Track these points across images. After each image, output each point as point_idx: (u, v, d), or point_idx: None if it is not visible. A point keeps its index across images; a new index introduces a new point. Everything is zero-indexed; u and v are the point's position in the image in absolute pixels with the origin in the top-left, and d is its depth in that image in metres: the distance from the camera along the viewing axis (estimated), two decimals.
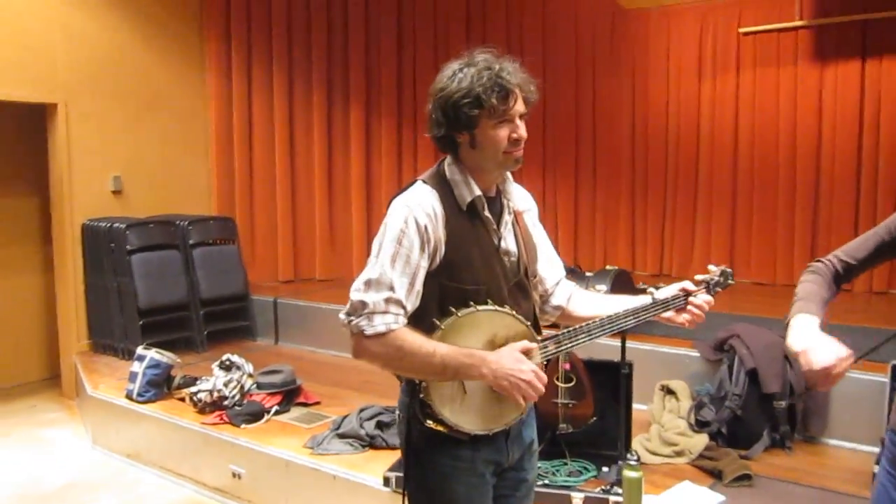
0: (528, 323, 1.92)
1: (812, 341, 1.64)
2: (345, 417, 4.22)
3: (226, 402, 4.52)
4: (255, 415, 4.42)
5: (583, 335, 1.94)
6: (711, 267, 2.13)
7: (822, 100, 6.78)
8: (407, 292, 1.78)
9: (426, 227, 1.79)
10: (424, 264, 1.81)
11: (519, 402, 1.78)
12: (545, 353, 1.91)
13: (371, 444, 4.00)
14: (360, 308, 1.76)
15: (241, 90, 7.14)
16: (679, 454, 3.90)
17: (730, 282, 2.13)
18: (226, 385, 4.57)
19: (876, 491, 1.87)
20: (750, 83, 7.10)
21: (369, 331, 1.74)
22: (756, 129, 7.11)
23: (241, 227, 7.03)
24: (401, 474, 3.44)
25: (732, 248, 7.34)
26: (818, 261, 1.92)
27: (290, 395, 4.72)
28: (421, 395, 1.84)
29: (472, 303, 1.83)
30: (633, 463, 3.16)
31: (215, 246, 6.72)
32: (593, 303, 2.13)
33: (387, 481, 3.48)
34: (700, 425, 4.09)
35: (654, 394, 4.38)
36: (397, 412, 2.05)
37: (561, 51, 7.79)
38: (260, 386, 4.68)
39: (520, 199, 2.07)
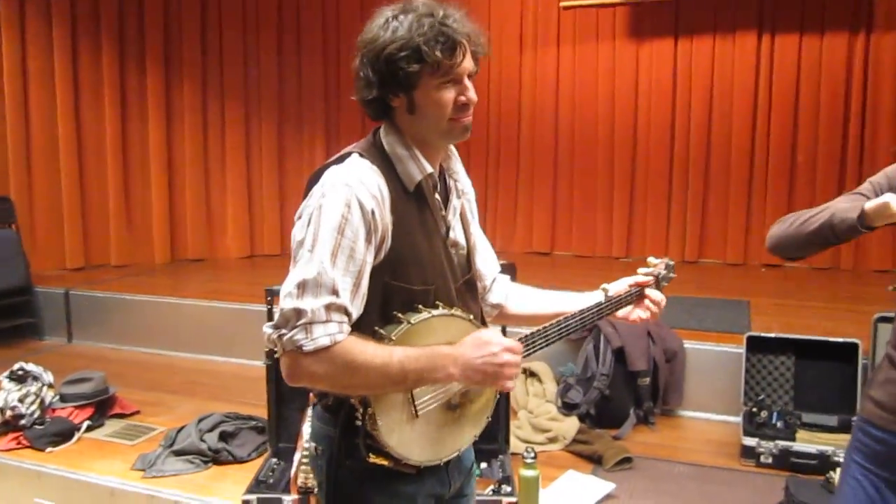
0: (485, 328, 1.60)
1: None
2: (180, 430, 3.62)
3: (23, 422, 3.72)
4: (63, 434, 3.68)
5: (540, 340, 1.66)
6: (653, 259, 1.95)
7: (638, 75, 6.96)
8: (352, 295, 1.41)
9: (373, 213, 1.42)
10: (370, 259, 1.44)
11: (503, 388, 1.50)
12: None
13: (215, 459, 3.46)
14: (293, 318, 1.37)
15: (12, 44, 6.01)
16: (553, 440, 3.74)
17: (672, 275, 1.98)
18: (21, 401, 3.76)
19: (847, 486, 1.73)
20: (570, 58, 7.13)
21: (309, 346, 1.36)
22: (576, 104, 7.18)
23: (18, 207, 5.96)
24: (264, 495, 3.03)
25: (554, 221, 7.39)
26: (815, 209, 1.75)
27: (102, 407, 4.00)
28: (360, 423, 1.47)
29: (419, 306, 1.49)
30: (529, 461, 2.92)
31: None
32: (532, 300, 1.86)
33: None
34: (568, 408, 3.96)
35: None
36: (312, 445, 1.63)
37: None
38: (64, 398, 3.91)
39: (466, 178, 1.71)
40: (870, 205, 1.52)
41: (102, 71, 6.53)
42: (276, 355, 1.43)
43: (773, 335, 3.93)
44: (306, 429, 2.87)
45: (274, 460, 3.27)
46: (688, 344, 4.17)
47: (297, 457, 2.88)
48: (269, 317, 3.33)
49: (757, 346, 3.91)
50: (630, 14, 6.88)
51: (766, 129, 6.61)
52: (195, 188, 7.09)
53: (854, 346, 3.76)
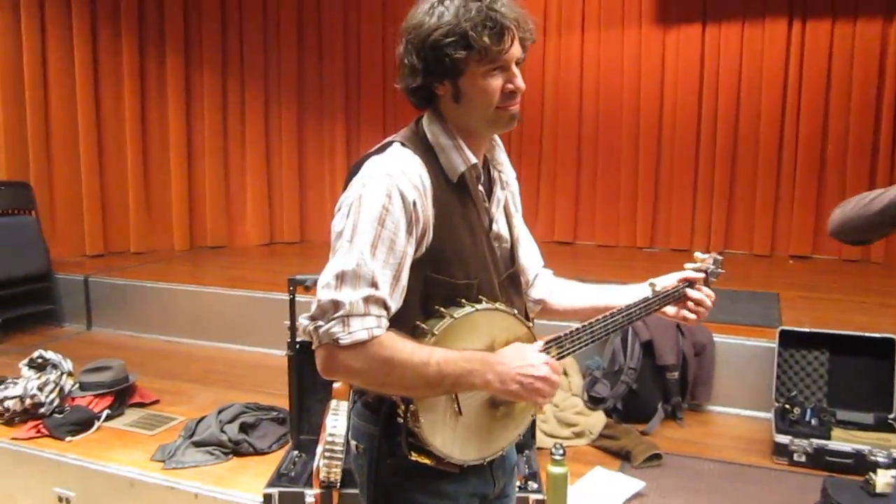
0: (529, 324, 1.56)
1: None
2: (200, 421, 3.57)
3: (42, 410, 3.68)
4: (83, 423, 3.64)
5: (586, 336, 1.61)
6: (699, 254, 1.88)
7: (664, 63, 6.81)
8: (391, 288, 1.37)
9: (414, 204, 1.38)
10: (411, 251, 1.40)
11: (538, 403, 1.45)
12: (561, 349, 1.56)
13: (236, 451, 3.40)
14: (331, 310, 1.32)
15: (31, 28, 5.96)
16: (579, 435, 3.66)
17: (721, 270, 1.90)
18: (41, 389, 3.72)
19: None
20: (595, 44, 7.00)
21: (346, 339, 1.32)
22: (601, 91, 7.05)
23: (38, 194, 5.92)
24: (285, 489, 2.97)
25: (577, 210, 7.28)
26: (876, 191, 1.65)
27: (122, 396, 3.96)
28: (402, 420, 1.42)
29: (462, 300, 1.44)
30: (557, 458, 2.84)
31: (7, 217, 5.65)
32: (577, 295, 1.81)
33: (268, 500, 2.90)
34: (595, 402, 3.87)
35: None
36: (354, 444, 1.59)
37: (400, 4, 7.27)
38: (84, 387, 3.87)
39: (510, 169, 1.66)
40: None
41: (122, 57, 6.47)
42: (312, 347, 1.37)
43: (806, 329, 3.82)
44: (330, 421, 2.83)
45: (295, 453, 3.21)
46: (717, 337, 4.07)
47: (319, 449, 2.85)
48: (292, 306, 3.27)
49: (790, 340, 3.80)
50: (657, 0, 6.72)
51: (795, 118, 6.45)
52: (214, 175, 7.04)
53: (891, 342, 3.65)
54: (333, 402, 2.80)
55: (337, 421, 2.77)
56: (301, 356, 3.26)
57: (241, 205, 7.23)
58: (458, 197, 1.47)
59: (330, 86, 7.43)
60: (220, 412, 3.58)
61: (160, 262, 6.41)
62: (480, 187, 1.54)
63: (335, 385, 2.82)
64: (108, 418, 3.78)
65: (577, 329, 1.57)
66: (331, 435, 2.76)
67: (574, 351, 1.57)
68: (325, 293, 1.33)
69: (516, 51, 1.43)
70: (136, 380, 4.08)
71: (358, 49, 7.43)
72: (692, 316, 1.75)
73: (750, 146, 6.60)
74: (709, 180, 6.76)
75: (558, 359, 1.52)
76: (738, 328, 4.20)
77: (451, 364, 1.35)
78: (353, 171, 1.44)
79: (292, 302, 3.27)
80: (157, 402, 4.09)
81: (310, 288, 3.21)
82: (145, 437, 3.62)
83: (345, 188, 1.44)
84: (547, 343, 1.52)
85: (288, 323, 3.31)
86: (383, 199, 1.34)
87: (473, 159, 1.48)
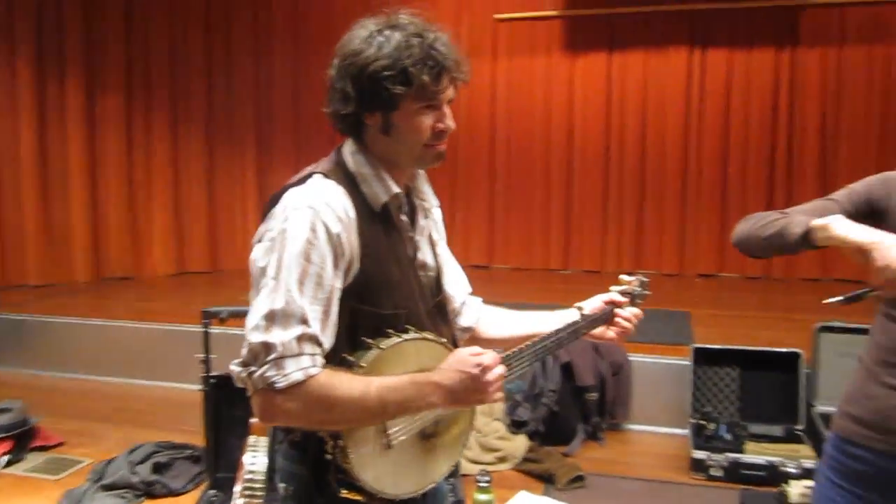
0: None
1: (881, 235, 1.43)
2: (109, 463, 3.39)
3: None
4: None
5: (516, 363, 1.58)
6: (625, 277, 1.90)
7: (573, 89, 6.99)
8: (322, 324, 1.34)
9: (339, 236, 1.36)
10: (339, 285, 1.37)
11: (489, 400, 1.42)
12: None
13: (148, 493, 3.26)
14: (263, 353, 1.29)
15: None
16: (503, 460, 3.65)
17: (647, 292, 1.94)
18: None
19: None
20: (505, 70, 7.13)
21: (282, 382, 1.28)
22: (512, 116, 7.18)
23: None
24: None
25: (492, 234, 7.35)
26: (774, 212, 1.71)
27: (22, 439, 3.73)
28: (330, 457, 1.38)
29: (390, 331, 1.42)
30: (483, 484, 2.82)
31: None
32: (506, 322, 1.79)
33: None
34: (517, 426, 3.89)
35: None
36: (283, 486, 1.52)
37: (314, 27, 7.22)
38: None
39: (433, 198, 1.65)
40: (817, 222, 1.49)
41: (18, 79, 6.18)
42: (247, 394, 1.32)
43: (718, 346, 3.95)
44: (248, 457, 2.73)
45: (212, 492, 3.09)
46: (633, 357, 4.16)
47: (237, 488, 2.74)
48: (206, 339, 3.16)
49: (703, 357, 3.92)
50: (564, 27, 6.91)
51: (698, 141, 6.72)
52: (119, 202, 6.78)
53: (796, 356, 3.80)
54: (252, 438, 2.71)
55: (256, 457, 2.67)
56: (216, 391, 3.14)
57: (149, 233, 6.98)
58: (383, 227, 1.45)
59: (241, 110, 7.30)
60: (130, 452, 3.42)
61: (62, 294, 6.11)
62: (404, 216, 1.52)
63: (252, 420, 2.73)
64: (8, 464, 3.56)
65: (507, 356, 1.56)
66: (250, 472, 2.66)
67: (508, 378, 1.56)
68: (254, 336, 1.28)
69: (450, 91, 1.44)
70: (37, 421, 3.86)
71: (269, 75, 7.33)
72: (615, 332, 1.77)
73: (656, 169, 6.84)
74: (618, 203, 6.96)
75: None
76: (653, 347, 4.31)
77: (391, 391, 1.32)
78: (271, 203, 1.40)
79: (206, 334, 3.15)
80: (61, 444, 3.87)
81: (224, 320, 3.11)
82: (49, 483, 3.41)
83: (263, 220, 1.40)
84: None
85: (202, 356, 3.19)
86: (308, 233, 1.31)
87: (396, 189, 1.46)
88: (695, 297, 6.00)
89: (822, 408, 3.64)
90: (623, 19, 6.73)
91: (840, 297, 1.49)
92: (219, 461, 3.19)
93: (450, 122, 1.45)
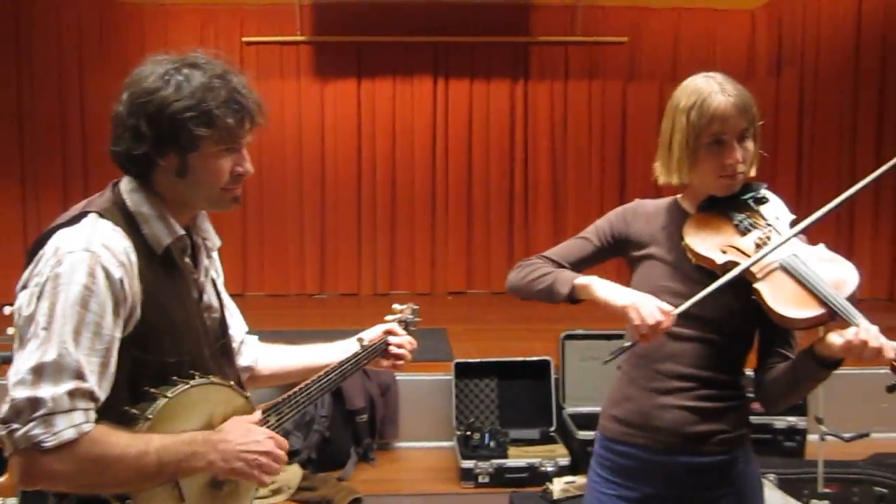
0: (247, 394, 1.51)
1: (636, 296, 1.58)
2: None
3: None
4: None
5: (303, 398, 1.61)
6: (397, 306, 2.01)
7: (324, 114, 7.04)
8: (99, 377, 1.25)
9: (122, 282, 1.28)
10: (118, 335, 1.29)
11: (262, 481, 1.39)
12: (280, 416, 1.53)
13: None
14: (28, 409, 1.17)
15: None
16: (277, 492, 3.57)
17: (418, 318, 2.06)
18: None
19: (595, 501, 1.86)
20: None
21: (51, 441, 1.17)
22: (262, 141, 6.97)
23: None
24: None
25: (245, 261, 7.16)
26: (538, 257, 1.86)
27: None
28: None
29: (174, 378, 1.35)
30: None
31: None
32: (284, 358, 1.80)
33: None
34: (289, 456, 3.79)
35: None
36: None
37: (38, 43, 6.59)
38: None
39: (215, 237, 1.60)
40: (580, 282, 1.68)
41: None
42: (5, 454, 1.19)
43: (476, 360, 4.18)
44: None
45: None
46: (399, 376, 4.27)
47: None
48: None
49: (463, 371, 4.13)
50: (313, 53, 6.96)
51: (444, 166, 7.08)
52: None
53: (546, 363, 4.14)
54: None
55: None
56: None
57: None
58: (165, 270, 1.38)
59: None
60: None
61: None
62: (187, 258, 1.47)
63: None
64: None
65: (294, 393, 1.57)
66: None
67: (293, 415, 1.57)
68: (19, 391, 1.16)
69: (249, 136, 1.42)
70: None
71: (31, 101, 6.60)
72: (400, 363, 1.86)
73: (406, 193, 7.09)
74: (371, 226, 7.11)
75: (278, 426, 1.50)
76: (417, 365, 4.42)
77: (170, 450, 1.26)
78: (38, 244, 1.28)
79: None
80: None
81: None
82: None
83: (28, 264, 1.28)
84: (266, 412, 1.49)
85: None
86: (85, 279, 1.22)
87: (180, 231, 1.40)
88: (449, 314, 6.28)
89: (571, 409, 4.00)
90: (370, 47, 6.92)
91: (611, 355, 1.65)
92: None
93: (248, 166, 1.43)
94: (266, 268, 7.17)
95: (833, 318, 1.43)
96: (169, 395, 1.30)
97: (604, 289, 1.63)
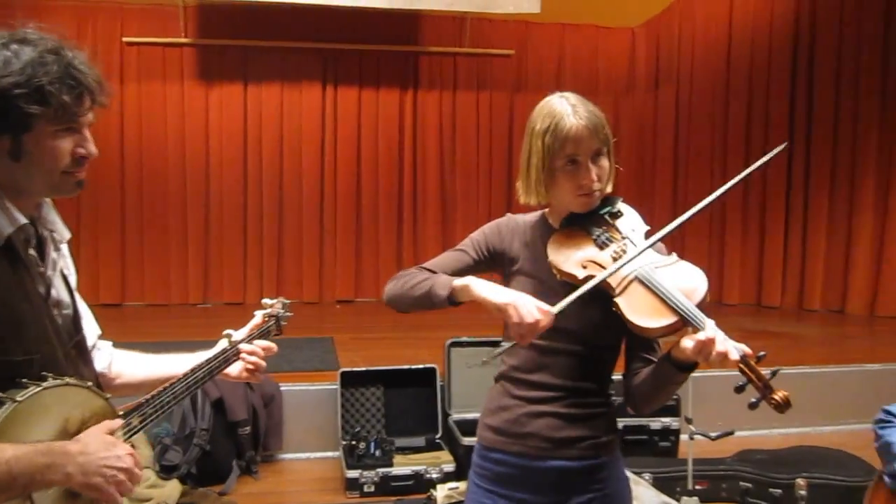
0: (107, 395, 1.42)
1: (515, 295, 1.58)
2: None
3: None
4: None
5: (169, 399, 1.54)
6: (267, 301, 1.93)
7: (209, 119, 6.88)
8: None
9: None
10: None
11: (117, 500, 1.30)
12: (129, 429, 1.44)
13: None
14: None
15: None
16: None
17: (289, 314, 1.97)
18: None
19: None
20: (136, 95, 6.76)
21: None
22: (143, 145, 6.82)
23: None
24: None
25: (124, 270, 6.89)
26: (415, 267, 1.86)
27: None
28: None
29: (24, 380, 1.26)
30: None
31: None
32: (140, 365, 1.70)
33: None
34: (167, 471, 3.67)
35: None
36: None
37: None
38: None
39: (64, 230, 1.51)
40: (458, 283, 1.70)
41: None
42: None
43: (363, 369, 4.15)
44: None
45: None
46: (283, 386, 4.19)
47: None
48: None
49: (349, 380, 4.09)
50: (198, 56, 6.78)
51: (333, 174, 7.05)
52: None
53: (432, 371, 4.16)
54: None
55: None
56: None
57: None
58: (8, 263, 1.30)
59: None
60: None
61: None
62: (32, 250, 1.38)
63: None
64: None
65: (157, 394, 1.49)
66: None
67: (159, 417, 1.49)
68: None
69: (91, 115, 1.35)
70: None
71: None
72: (262, 362, 1.75)
73: (294, 200, 7.01)
74: (257, 234, 7.00)
75: (141, 428, 1.43)
76: (302, 375, 4.39)
77: (23, 461, 1.17)
78: None
79: None
80: None
81: None
82: None
83: None
84: (128, 414, 1.42)
85: None
86: None
87: (22, 219, 1.32)
88: (336, 322, 6.24)
89: (456, 415, 4.03)
90: (257, 52, 6.81)
91: (490, 357, 1.67)
92: None
93: (92, 148, 1.36)
94: (146, 277, 6.93)
95: (685, 324, 1.50)
96: (18, 398, 1.21)
97: (483, 288, 1.65)
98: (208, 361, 1.63)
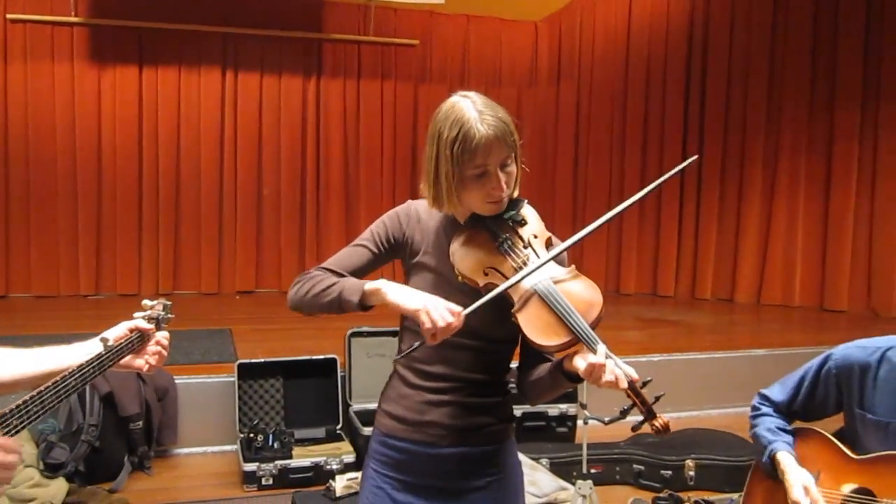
0: None
1: (426, 298, 1.58)
2: None
3: None
4: None
5: (51, 398, 1.46)
6: (147, 302, 1.87)
7: (101, 101, 6.58)
8: None
9: None
10: None
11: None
12: (8, 429, 1.37)
13: None
14: None
15: None
16: None
17: (170, 315, 1.92)
18: None
19: (371, 495, 1.88)
20: (20, 77, 6.40)
21: None
22: (29, 128, 6.47)
23: None
24: None
25: (8, 260, 6.53)
26: (317, 269, 1.83)
27: None
28: None
29: None
30: None
31: None
32: (11, 364, 1.61)
33: None
34: (53, 469, 3.51)
35: None
36: None
37: None
38: None
39: None
40: (370, 287, 1.68)
41: None
42: None
43: (261, 360, 4.08)
44: None
45: None
46: (178, 379, 4.08)
47: None
48: None
49: (247, 372, 4.01)
50: (90, 36, 6.47)
51: (233, 161, 6.88)
52: None
53: (333, 361, 4.13)
54: None
55: None
56: None
57: None
58: None
59: None
60: None
61: None
62: None
63: None
64: None
65: (39, 393, 1.43)
66: None
67: (42, 415, 1.43)
68: None
69: None
70: None
71: None
72: (154, 360, 1.72)
73: (192, 188, 6.81)
74: (153, 223, 6.76)
75: (24, 426, 1.36)
76: (198, 367, 4.28)
77: None
78: None
79: None
80: None
81: None
82: None
83: None
84: (6, 414, 1.35)
85: None
86: None
87: None
88: (236, 313, 6.10)
89: (357, 406, 4.01)
90: (153, 34, 6.57)
91: (401, 355, 1.68)
92: None
93: None
94: (33, 267, 6.58)
95: (579, 342, 1.55)
96: None
97: (394, 293, 1.64)
98: (81, 368, 1.51)
